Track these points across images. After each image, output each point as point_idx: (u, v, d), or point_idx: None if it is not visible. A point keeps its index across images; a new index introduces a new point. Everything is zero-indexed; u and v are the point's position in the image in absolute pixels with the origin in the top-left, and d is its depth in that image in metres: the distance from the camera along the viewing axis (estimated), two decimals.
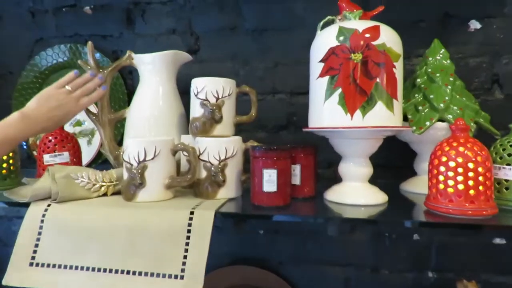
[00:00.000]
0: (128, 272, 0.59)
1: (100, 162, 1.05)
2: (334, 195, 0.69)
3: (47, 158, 0.84)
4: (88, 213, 0.63)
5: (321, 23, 0.70)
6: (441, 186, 0.57)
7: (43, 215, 0.64)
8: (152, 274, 0.58)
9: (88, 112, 0.85)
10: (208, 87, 0.73)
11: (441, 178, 0.57)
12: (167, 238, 0.59)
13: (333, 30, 0.65)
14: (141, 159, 0.65)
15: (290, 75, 0.97)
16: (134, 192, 0.66)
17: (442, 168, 0.57)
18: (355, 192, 0.68)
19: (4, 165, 0.78)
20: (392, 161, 0.91)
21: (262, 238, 0.99)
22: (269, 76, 0.98)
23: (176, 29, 1.02)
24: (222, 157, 0.68)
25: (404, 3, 0.90)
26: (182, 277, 0.57)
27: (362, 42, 0.62)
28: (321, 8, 0.95)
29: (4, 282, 0.60)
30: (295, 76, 0.97)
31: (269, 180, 0.62)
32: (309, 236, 0.96)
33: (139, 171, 0.65)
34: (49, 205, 0.65)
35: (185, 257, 0.58)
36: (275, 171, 0.62)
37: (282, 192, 0.63)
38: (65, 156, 0.86)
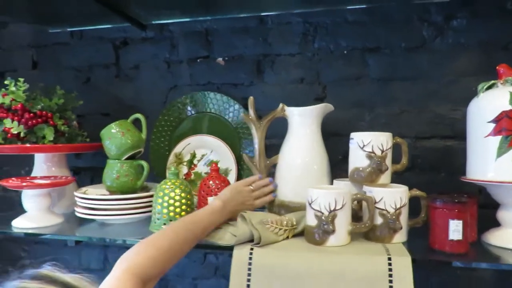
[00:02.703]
0: None
1: None
2: (498, 240, 0.77)
3: (211, 200, 0.94)
4: (291, 258, 0.72)
5: (484, 86, 0.78)
6: None
7: (250, 258, 0.73)
8: None
9: (249, 159, 0.95)
10: (374, 141, 0.82)
11: None
12: (369, 284, 0.67)
13: (502, 94, 0.74)
14: (332, 208, 0.74)
15: (415, 122, 1.06)
16: (323, 238, 0.75)
17: None
18: None
19: (183, 207, 0.87)
20: None
21: None
22: (394, 122, 1.07)
23: (304, 79, 1.13)
24: (398, 206, 0.77)
25: None
26: None
27: None
28: (444, 61, 1.04)
29: None
30: (419, 122, 1.05)
31: (456, 229, 0.70)
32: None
33: (329, 219, 0.74)
34: (251, 249, 0.74)
35: None
36: (461, 222, 0.70)
37: (465, 240, 0.71)
38: None
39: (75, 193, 0.94)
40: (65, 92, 1.10)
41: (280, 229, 0.79)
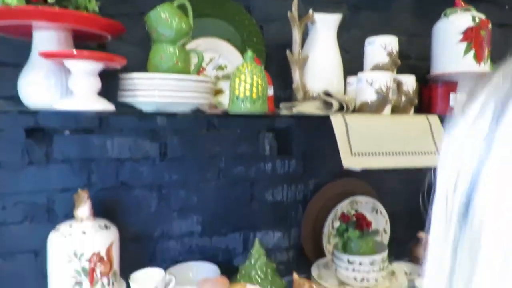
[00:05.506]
0: (409, 153, 0.94)
1: None
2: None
3: None
4: (373, 120, 0.93)
5: (451, 11, 1.16)
6: None
7: (345, 123, 0.90)
8: (422, 153, 0.95)
9: (291, 55, 1.06)
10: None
11: None
12: (423, 133, 0.97)
13: (466, 16, 1.13)
14: (388, 86, 0.98)
15: None
16: (381, 108, 0.99)
17: None
18: None
19: (266, 88, 0.92)
20: None
21: None
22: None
23: None
24: (414, 88, 1.08)
25: None
26: (438, 152, 0.96)
27: (484, 25, 1.13)
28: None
29: (344, 166, 0.85)
30: None
31: (453, 99, 1.07)
32: None
33: (386, 94, 0.98)
34: (343, 116, 0.91)
35: (433, 140, 0.97)
36: (455, 94, 1.07)
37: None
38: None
39: (123, 76, 0.84)
40: None
41: (350, 104, 0.98)
